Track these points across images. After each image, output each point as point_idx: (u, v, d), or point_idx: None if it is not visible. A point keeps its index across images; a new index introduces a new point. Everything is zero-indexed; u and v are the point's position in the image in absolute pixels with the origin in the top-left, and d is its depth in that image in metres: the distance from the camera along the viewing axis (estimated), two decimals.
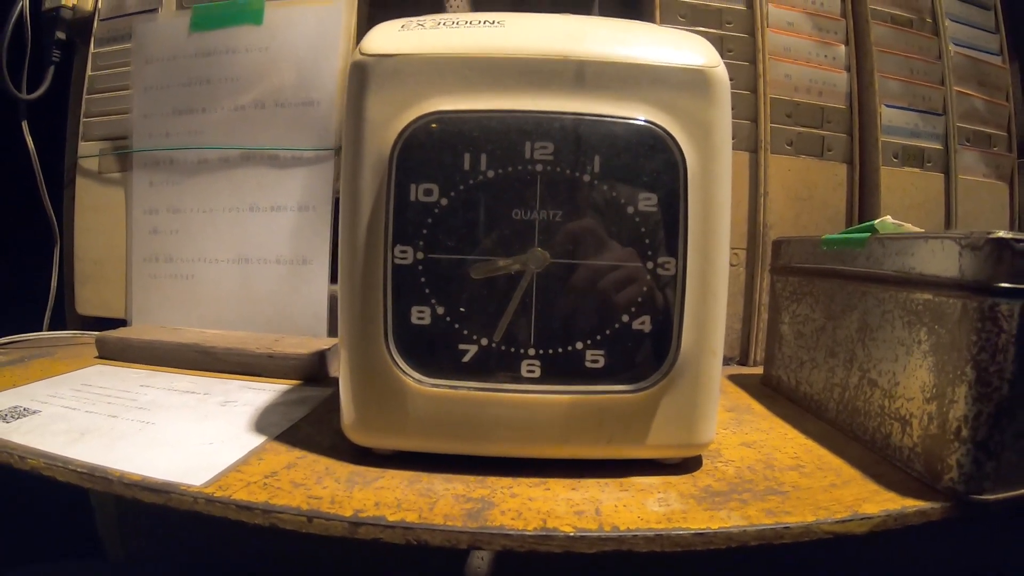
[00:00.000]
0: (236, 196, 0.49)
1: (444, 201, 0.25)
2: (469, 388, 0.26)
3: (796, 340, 0.40)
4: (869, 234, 0.33)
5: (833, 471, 0.28)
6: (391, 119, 0.25)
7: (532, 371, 0.26)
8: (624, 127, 0.25)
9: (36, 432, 0.29)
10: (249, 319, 0.48)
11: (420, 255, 0.25)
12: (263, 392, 0.38)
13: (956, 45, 0.55)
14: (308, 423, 0.33)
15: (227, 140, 0.49)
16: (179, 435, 0.31)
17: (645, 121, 0.25)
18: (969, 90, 0.55)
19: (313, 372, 0.42)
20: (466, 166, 0.25)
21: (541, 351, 0.26)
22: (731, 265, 0.49)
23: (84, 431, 0.30)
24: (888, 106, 0.52)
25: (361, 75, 0.26)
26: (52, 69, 0.54)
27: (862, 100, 0.52)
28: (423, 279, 0.25)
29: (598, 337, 0.25)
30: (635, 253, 0.25)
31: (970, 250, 0.25)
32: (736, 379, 0.45)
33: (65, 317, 0.55)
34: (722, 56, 0.50)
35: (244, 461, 0.28)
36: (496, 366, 0.26)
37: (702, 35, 0.50)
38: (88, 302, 0.54)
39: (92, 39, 0.54)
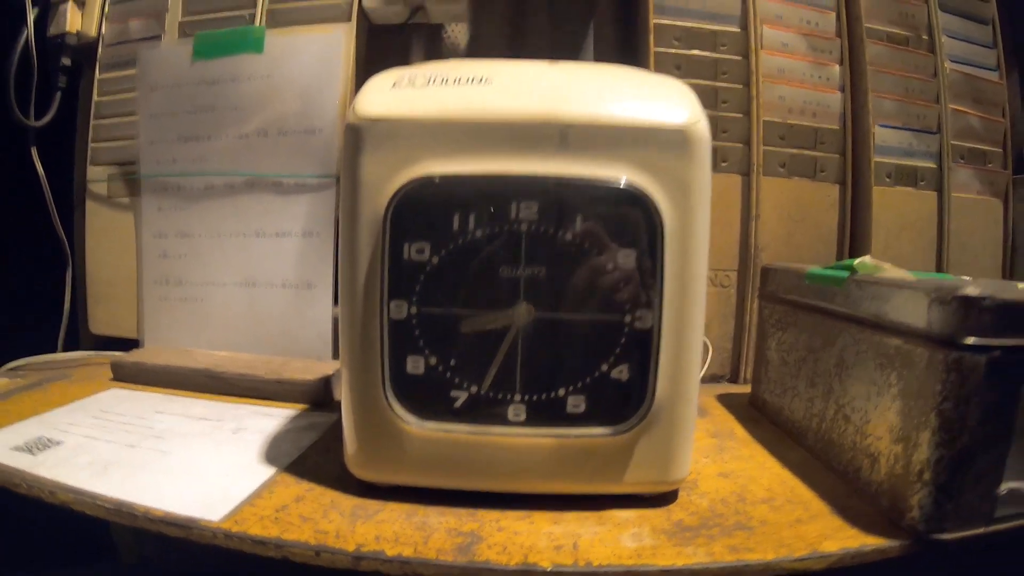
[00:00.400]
0: (242, 222, 0.51)
1: (435, 259, 0.27)
2: (460, 431, 0.28)
3: (781, 366, 0.42)
4: (848, 274, 0.34)
5: (802, 505, 0.30)
6: (385, 181, 0.27)
7: (518, 415, 0.28)
8: (605, 188, 0.27)
9: (62, 465, 0.32)
10: (257, 341, 0.51)
11: (414, 310, 0.28)
12: (272, 418, 0.41)
13: (952, 62, 0.56)
14: (315, 451, 0.36)
15: (233, 167, 0.51)
16: (195, 466, 0.33)
17: (625, 183, 0.27)
18: (964, 107, 0.56)
19: (319, 397, 0.44)
20: (455, 226, 0.27)
21: (526, 397, 0.28)
22: (723, 287, 0.51)
23: (107, 463, 0.33)
24: (882, 126, 0.54)
25: (356, 138, 0.28)
26: (59, 95, 0.56)
27: (856, 120, 0.54)
28: (417, 332, 0.28)
29: (579, 384, 0.28)
30: (613, 306, 0.27)
31: (938, 304, 0.27)
32: (724, 399, 0.48)
33: (79, 336, 0.58)
34: (716, 79, 0.52)
35: (257, 494, 0.31)
36: (485, 411, 0.28)
37: (696, 59, 0.52)
38: (101, 322, 0.57)
39: (97, 65, 0.57)
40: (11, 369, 0.49)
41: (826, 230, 0.53)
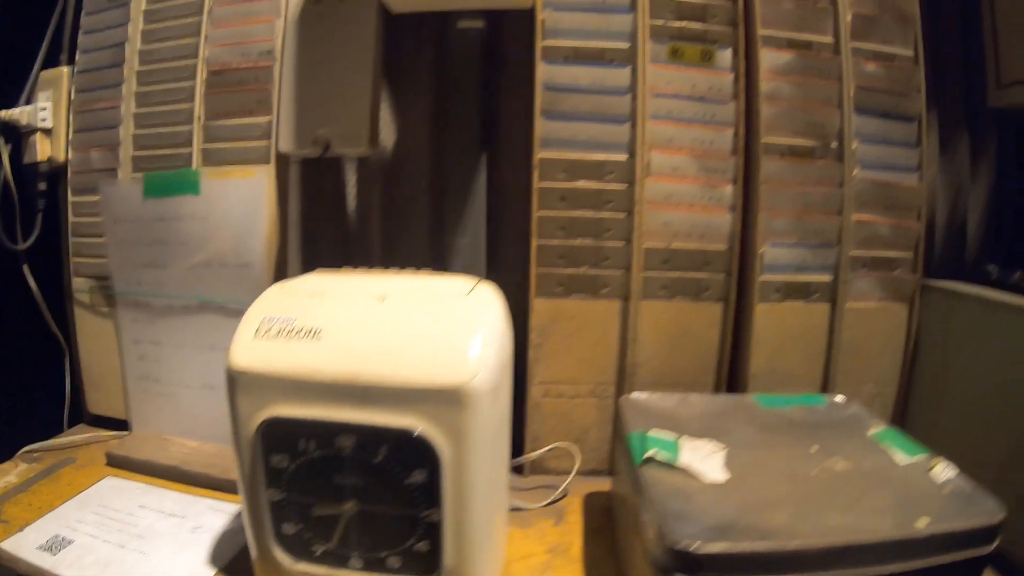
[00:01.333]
0: (199, 336, 0.73)
1: (292, 467, 0.48)
2: (320, 571, 0.50)
3: (619, 493, 0.61)
4: (640, 462, 0.51)
5: None
6: (252, 414, 0.48)
7: (357, 564, 0.49)
8: (397, 433, 0.46)
9: (76, 566, 0.57)
10: (222, 434, 0.74)
11: (284, 496, 0.49)
12: (223, 514, 0.65)
13: (864, 169, 0.67)
14: (244, 553, 0.60)
15: (186, 292, 0.73)
16: (164, 565, 0.58)
17: (412, 432, 0.45)
18: (873, 215, 0.67)
19: None
20: (300, 448, 0.47)
21: (361, 554, 0.49)
22: (602, 398, 0.69)
23: (106, 563, 0.58)
24: (773, 245, 0.66)
25: (231, 382, 0.48)
26: (40, 217, 0.79)
27: (744, 240, 0.67)
28: (288, 509, 0.49)
29: (394, 551, 0.48)
30: (411, 506, 0.47)
31: (656, 542, 0.44)
32: (591, 498, 0.67)
33: (81, 413, 0.84)
34: (600, 209, 0.67)
35: None
36: (335, 559, 0.50)
37: (581, 191, 0.66)
38: (97, 404, 0.83)
39: (69, 189, 0.78)
40: (27, 452, 0.76)
41: (707, 347, 0.68)
